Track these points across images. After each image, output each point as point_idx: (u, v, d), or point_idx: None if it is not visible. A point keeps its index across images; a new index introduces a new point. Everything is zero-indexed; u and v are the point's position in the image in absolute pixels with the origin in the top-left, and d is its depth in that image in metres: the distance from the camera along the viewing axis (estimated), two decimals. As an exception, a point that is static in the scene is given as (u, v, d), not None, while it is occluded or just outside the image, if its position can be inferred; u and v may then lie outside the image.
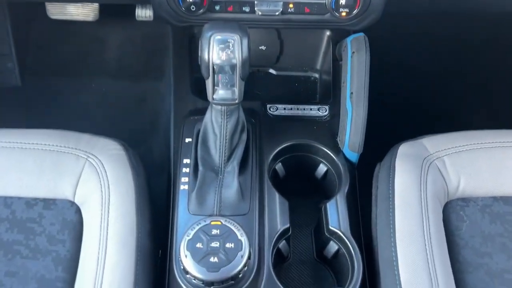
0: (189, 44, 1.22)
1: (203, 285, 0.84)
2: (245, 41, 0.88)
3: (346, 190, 1.01)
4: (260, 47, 1.25)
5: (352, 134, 1.02)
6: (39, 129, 1.06)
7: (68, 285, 0.90)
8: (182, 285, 0.87)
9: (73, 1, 1.50)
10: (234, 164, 0.98)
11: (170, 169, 1.07)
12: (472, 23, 1.61)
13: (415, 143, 1.06)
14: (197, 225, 0.87)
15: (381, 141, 1.09)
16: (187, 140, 1.04)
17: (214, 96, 0.92)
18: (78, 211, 0.97)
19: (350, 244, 0.94)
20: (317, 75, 1.28)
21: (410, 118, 1.55)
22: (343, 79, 1.06)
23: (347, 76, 1.04)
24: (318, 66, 1.28)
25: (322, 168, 1.10)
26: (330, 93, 1.18)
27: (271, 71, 1.28)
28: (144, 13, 1.62)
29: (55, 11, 1.63)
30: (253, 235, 0.92)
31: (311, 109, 1.14)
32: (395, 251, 0.90)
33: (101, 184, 0.96)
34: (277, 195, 1.00)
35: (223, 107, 0.94)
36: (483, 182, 1.01)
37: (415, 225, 0.92)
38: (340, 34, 1.18)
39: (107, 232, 0.91)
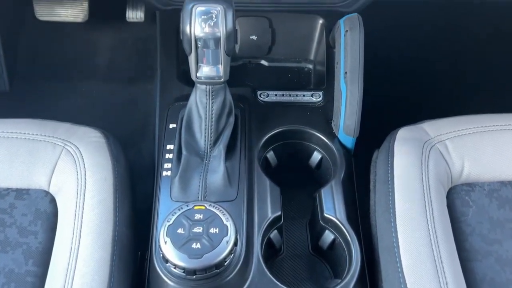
0: (176, 35, 1.18)
1: (184, 274, 0.76)
2: (229, 12, 0.83)
3: (342, 176, 0.94)
4: (251, 37, 1.20)
5: (347, 116, 0.96)
6: (16, 118, 1.01)
7: (39, 280, 0.82)
8: (162, 275, 0.79)
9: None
10: (221, 148, 0.91)
11: (154, 158, 1.01)
12: (471, 10, 1.56)
13: (415, 128, 1.00)
14: (179, 210, 0.80)
15: (378, 128, 1.02)
16: (171, 126, 0.98)
17: (198, 74, 0.87)
18: (52, 201, 0.90)
19: (347, 231, 0.87)
20: (311, 66, 1.23)
21: (408, 105, 1.49)
22: (336, 60, 1.00)
23: (340, 57, 0.98)
24: (312, 56, 1.22)
25: (316, 156, 1.03)
26: (325, 81, 1.12)
27: (263, 62, 1.23)
28: (134, 15, 1.59)
29: (43, 12, 1.60)
30: (240, 222, 0.84)
31: (304, 95, 1.08)
32: (396, 237, 0.82)
33: (77, 172, 0.90)
34: (268, 181, 0.93)
35: (208, 86, 0.89)
36: (489, 166, 0.94)
37: (417, 209, 0.85)
38: (333, 21, 1.13)
39: (81, 221, 0.84)
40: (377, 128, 1.03)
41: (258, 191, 0.91)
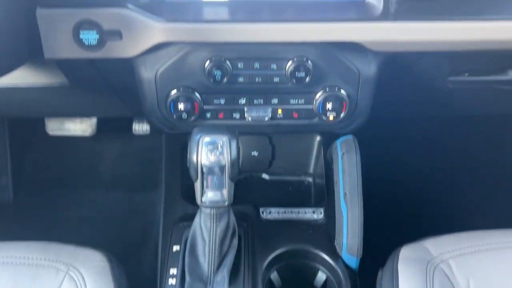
0: (181, 152, 1.23)
1: None
2: (234, 142, 0.88)
3: None
4: (252, 153, 1.26)
5: (349, 237, 0.97)
6: (19, 241, 1.01)
7: None
8: None
9: (72, 116, 1.56)
10: (224, 273, 0.91)
11: (156, 281, 1.00)
12: (465, 125, 1.65)
13: (417, 246, 1.00)
14: None
15: (381, 244, 1.03)
16: (175, 248, 0.99)
17: (203, 199, 0.90)
18: None
19: None
20: (310, 179, 1.27)
21: (409, 218, 1.50)
22: (335, 180, 1.04)
23: (339, 177, 1.02)
24: (311, 170, 1.27)
25: (321, 276, 1.02)
26: (325, 195, 1.15)
27: (264, 176, 1.28)
28: (140, 128, 1.67)
29: (54, 128, 1.69)
30: None
31: (305, 212, 1.11)
32: None
33: None
34: None
35: (212, 210, 0.91)
36: (494, 285, 0.93)
37: None
38: (330, 138, 1.19)
39: None
40: (380, 245, 1.03)
41: None
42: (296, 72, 0.96)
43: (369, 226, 1.01)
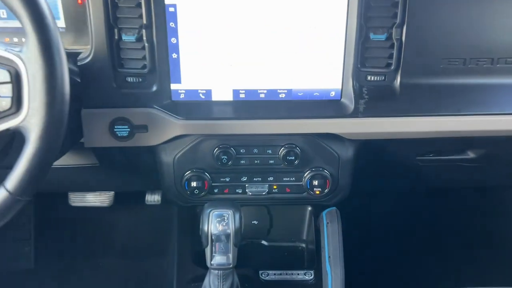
0: (192, 222, 1.42)
1: None
2: (237, 215, 1.09)
3: None
4: (252, 222, 1.45)
5: (334, 294, 1.14)
6: None
7: None
8: None
9: (95, 190, 1.75)
10: (230, 326, 1.08)
11: None
12: (436, 196, 1.83)
13: None
14: None
15: None
16: (188, 305, 1.15)
17: (212, 262, 1.09)
18: None
19: None
20: (303, 245, 1.45)
21: (395, 276, 1.64)
22: (322, 245, 1.23)
23: (325, 243, 1.22)
24: (304, 237, 1.45)
25: (312, 330, 1.18)
26: (315, 259, 1.33)
27: (263, 242, 1.46)
28: (153, 198, 1.86)
29: (76, 200, 1.87)
30: None
31: (298, 274, 1.28)
32: None
33: None
34: None
35: (219, 271, 1.09)
36: None
37: None
38: (319, 209, 1.40)
39: None
40: None
41: None
42: (287, 156, 1.15)
43: (353, 284, 1.18)
